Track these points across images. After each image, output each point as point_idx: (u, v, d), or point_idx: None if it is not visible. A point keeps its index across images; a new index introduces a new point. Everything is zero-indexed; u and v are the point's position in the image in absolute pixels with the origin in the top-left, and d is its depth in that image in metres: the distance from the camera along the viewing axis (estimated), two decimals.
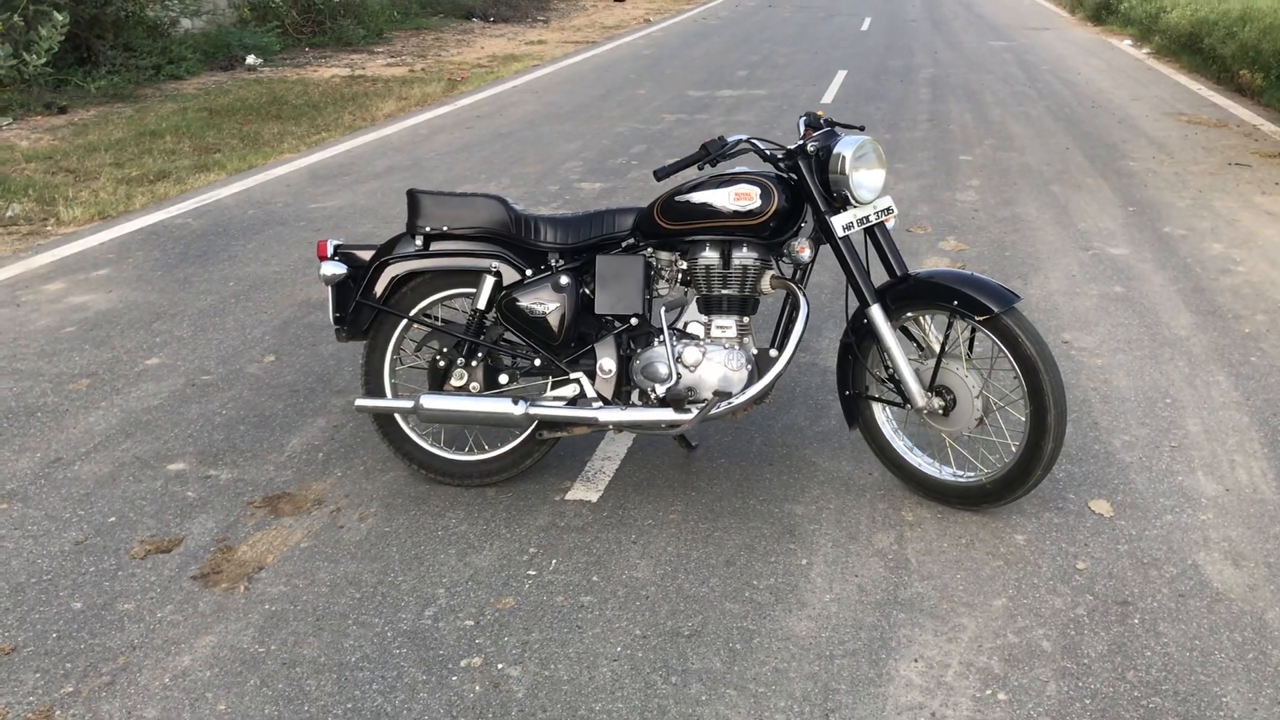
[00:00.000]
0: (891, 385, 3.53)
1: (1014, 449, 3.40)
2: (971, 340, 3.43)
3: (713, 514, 3.55)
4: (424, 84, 12.75)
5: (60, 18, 10.87)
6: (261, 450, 4.01)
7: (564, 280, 3.52)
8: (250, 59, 14.11)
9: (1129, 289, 5.63)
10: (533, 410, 3.51)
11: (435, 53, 16.05)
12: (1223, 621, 2.99)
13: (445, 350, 3.65)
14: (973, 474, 3.50)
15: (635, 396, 3.60)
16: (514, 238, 3.59)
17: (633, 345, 3.60)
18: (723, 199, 3.42)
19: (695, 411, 3.41)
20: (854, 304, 3.52)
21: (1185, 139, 9.44)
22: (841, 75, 13.51)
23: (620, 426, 3.50)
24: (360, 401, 3.64)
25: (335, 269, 3.64)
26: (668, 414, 3.44)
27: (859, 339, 3.57)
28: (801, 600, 3.10)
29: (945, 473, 3.56)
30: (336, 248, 3.72)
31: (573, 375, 3.58)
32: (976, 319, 3.28)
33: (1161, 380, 4.51)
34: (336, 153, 9.16)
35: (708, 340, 3.53)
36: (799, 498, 3.65)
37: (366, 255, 3.72)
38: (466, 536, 3.44)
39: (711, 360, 3.48)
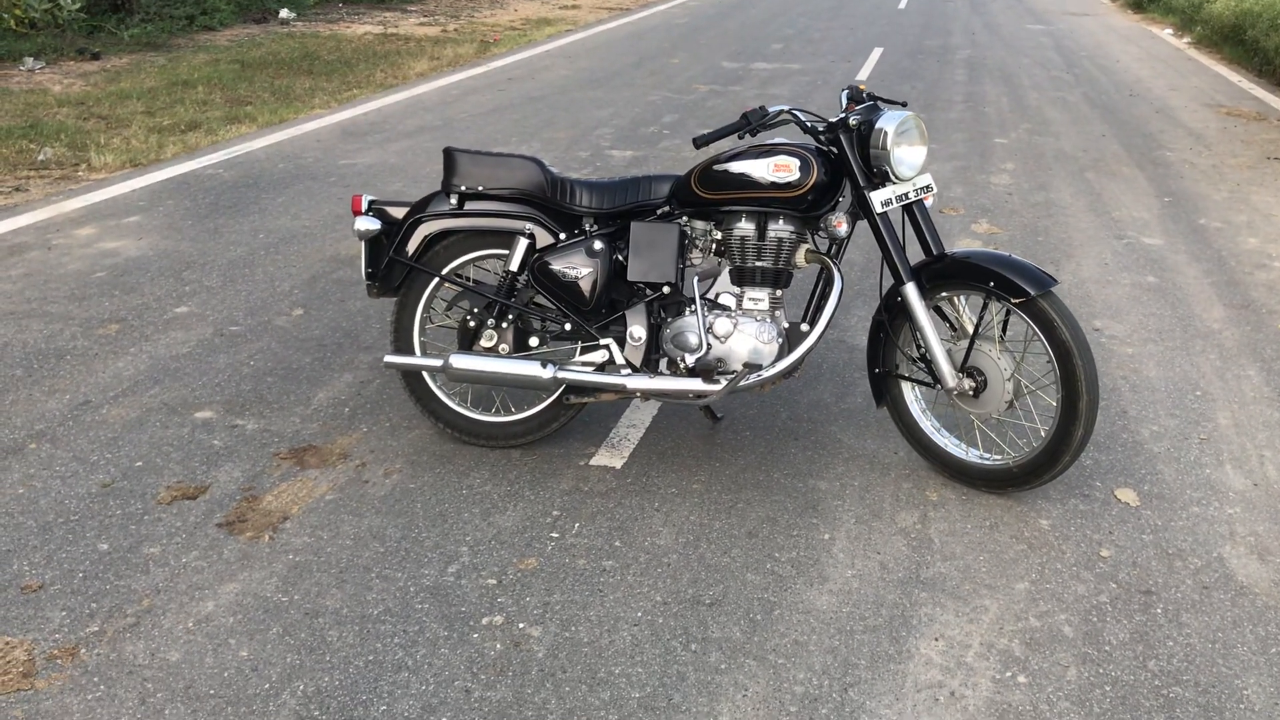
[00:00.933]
0: (922, 364, 3.51)
1: (1043, 434, 3.38)
2: (1005, 322, 3.41)
3: (736, 486, 3.55)
4: (456, 44, 12.71)
5: None
6: (288, 403, 4.02)
7: (598, 245, 3.51)
8: (284, 13, 14.09)
9: (1162, 279, 5.58)
10: (561, 374, 3.51)
11: (468, 13, 15.99)
12: (1246, 615, 2.97)
13: (476, 311, 3.65)
14: (999, 457, 3.49)
15: (664, 365, 3.59)
16: (549, 200, 3.58)
17: (663, 314, 3.59)
18: (761, 170, 3.39)
19: (724, 383, 3.40)
20: (888, 281, 3.50)
21: (1224, 131, 9.33)
22: (877, 53, 13.40)
23: (648, 394, 3.50)
24: (389, 358, 3.65)
25: (369, 224, 3.64)
26: (696, 384, 3.44)
27: (891, 317, 3.55)
28: (823, 574, 3.10)
29: (971, 454, 3.54)
30: (371, 203, 3.72)
31: (602, 341, 3.57)
32: (1012, 301, 3.26)
33: (1192, 372, 4.47)
34: (368, 110, 9.15)
35: (739, 312, 3.51)
36: (823, 473, 3.64)
37: (400, 212, 3.71)
38: (490, 496, 3.45)
39: (743, 332, 3.46)
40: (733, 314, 3.49)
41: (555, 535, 3.25)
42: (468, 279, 3.75)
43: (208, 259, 5.47)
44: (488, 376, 3.56)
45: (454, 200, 3.62)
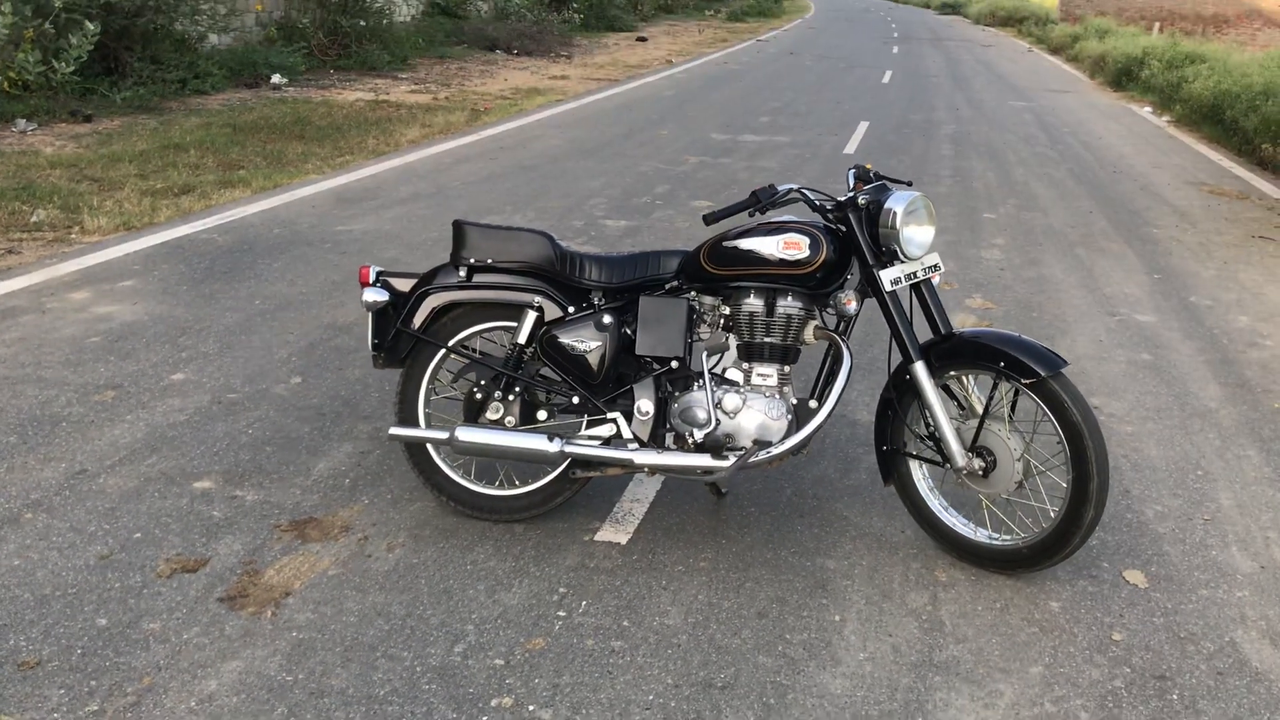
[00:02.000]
0: (931, 443, 3.51)
1: (1052, 514, 3.37)
2: (1014, 402, 3.42)
3: (743, 563, 3.52)
4: (448, 112, 12.81)
5: (91, 27, 10.93)
6: (288, 473, 3.98)
7: (606, 319, 3.51)
8: (275, 78, 14.18)
9: (1157, 357, 5.62)
10: (568, 448, 3.48)
11: (459, 82, 16.14)
12: (1263, 702, 2.95)
13: (483, 383, 3.63)
14: (1009, 538, 3.47)
15: (670, 440, 3.58)
16: (558, 274, 3.58)
17: (671, 388, 3.57)
18: (770, 247, 3.41)
19: (733, 459, 3.39)
20: (896, 358, 3.50)
21: (1208, 209, 9.47)
22: (864, 126, 13.58)
23: (655, 470, 3.48)
24: (394, 430, 3.62)
25: (377, 295, 3.62)
26: (705, 460, 3.42)
27: (900, 394, 3.55)
28: (835, 657, 3.06)
29: (980, 534, 3.53)
30: (379, 274, 3.71)
31: (609, 415, 3.55)
32: (1023, 382, 3.26)
33: (1192, 451, 4.48)
34: (361, 176, 9.19)
35: (748, 387, 3.50)
36: (831, 552, 3.61)
37: (407, 284, 3.70)
38: (495, 573, 3.40)
39: (752, 408, 3.45)
40: (741, 390, 3.49)
41: (562, 614, 3.21)
42: (474, 351, 3.74)
43: (204, 325, 5.43)
44: (494, 449, 3.53)
45: (462, 273, 3.62)
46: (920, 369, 3.42)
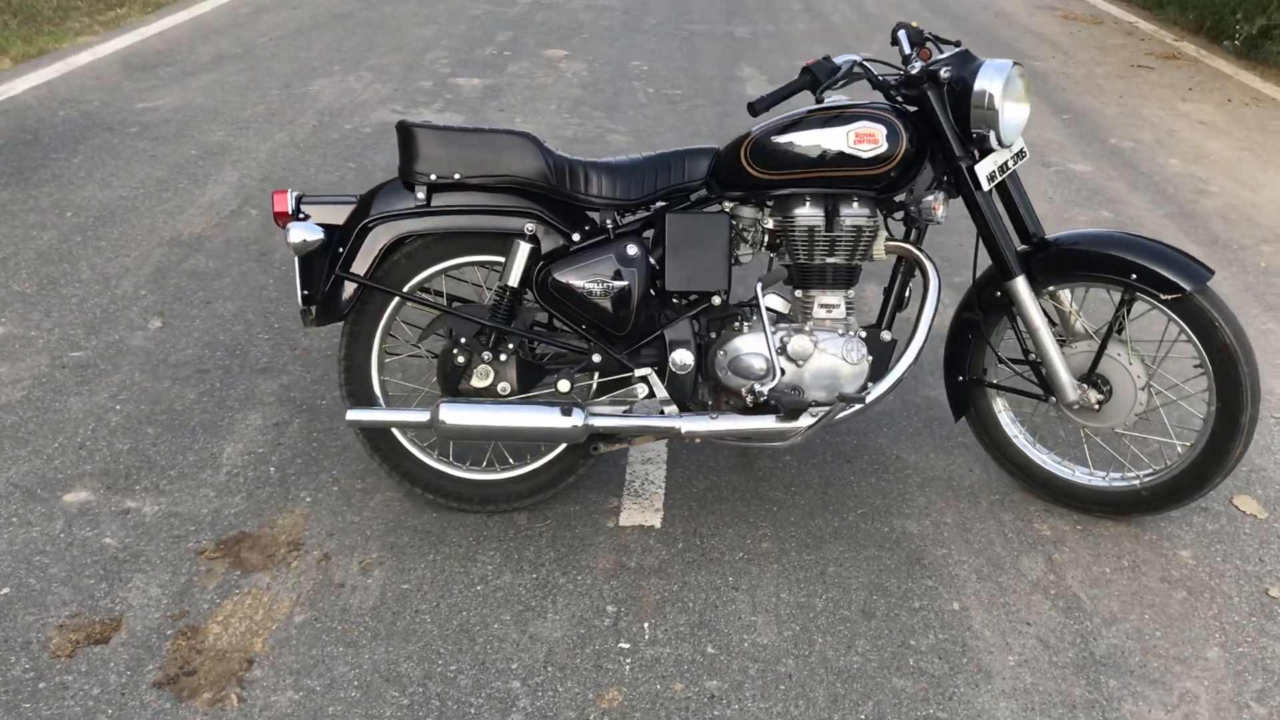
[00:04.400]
0: (1029, 372, 2.88)
1: (1180, 450, 2.81)
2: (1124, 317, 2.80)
3: (812, 539, 2.84)
4: None
5: None
6: (188, 466, 3.02)
7: (632, 249, 2.67)
8: None
9: (1117, 213, 5.16)
10: (594, 420, 2.68)
11: None
12: None
13: (463, 341, 2.75)
14: (1120, 477, 2.90)
15: (705, 395, 2.82)
16: (554, 189, 2.69)
17: (710, 331, 2.79)
18: (838, 140, 2.62)
19: (813, 418, 2.67)
20: (977, 268, 2.84)
21: (1072, 36, 9.08)
22: None
23: (709, 438, 2.72)
24: (353, 414, 2.71)
25: (309, 233, 2.66)
26: (771, 422, 2.69)
27: (986, 315, 2.89)
28: (982, 666, 2.44)
29: (1080, 474, 2.95)
30: (299, 199, 2.73)
31: (639, 372, 2.75)
32: (1162, 298, 2.64)
33: None
34: (145, 36, 7.71)
35: (812, 323, 2.76)
36: (904, 509, 2.97)
37: (338, 212, 2.75)
38: (516, 591, 2.61)
39: (824, 351, 2.71)
40: (807, 328, 2.74)
41: (625, 645, 2.46)
42: (441, 295, 2.85)
43: (7, 252, 4.24)
44: (493, 430, 2.69)
45: (421, 195, 2.69)
46: (1022, 285, 2.75)
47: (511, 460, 2.91)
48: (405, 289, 2.75)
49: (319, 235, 2.67)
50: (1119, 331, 2.76)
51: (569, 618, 2.53)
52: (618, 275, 2.65)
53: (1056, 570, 2.75)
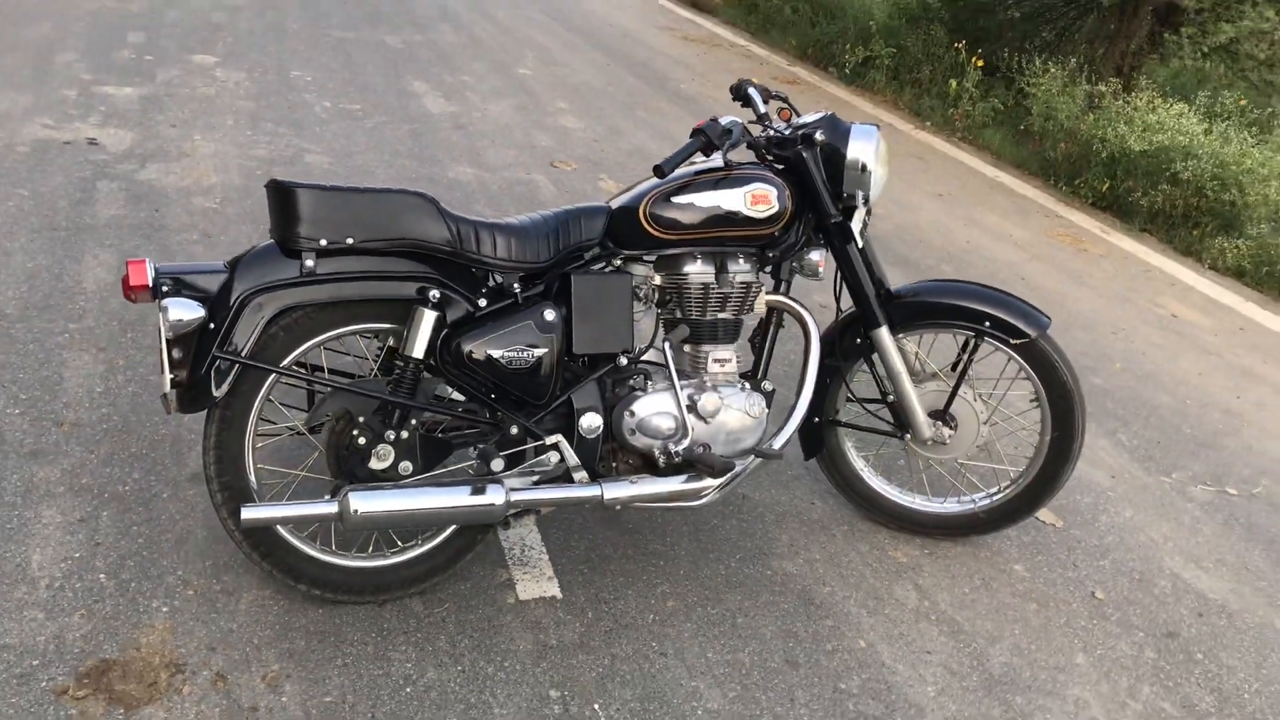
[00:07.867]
0: (881, 410, 3.08)
1: (1012, 475, 3.13)
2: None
3: (710, 591, 2.87)
4: None
5: None
6: (1, 565, 2.53)
7: (549, 315, 2.55)
8: None
9: None
10: (516, 496, 2.54)
11: None
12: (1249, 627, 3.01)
13: (363, 421, 2.50)
14: (956, 503, 3.18)
15: (613, 459, 2.77)
16: (455, 253, 2.52)
17: (614, 392, 2.74)
18: (736, 202, 2.68)
19: (728, 473, 2.69)
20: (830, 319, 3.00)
21: (701, 58, 9.63)
22: None
23: (630, 503, 2.67)
24: (249, 513, 2.38)
25: (188, 311, 2.32)
26: (693, 483, 2.69)
27: (845, 359, 3.05)
28: (911, 702, 2.59)
29: (918, 502, 3.20)
30: (160, 272, 2.37)
31: (549, 440, 2.63)
32: (1013, 343, 2.92)
33: None
34: None
35: (709, 378, 2.78)
36: (773, 549, 3.08)
37: (206, 281, 2.42)
38: (449, 689, 2.43)
39: (730, 406, 2.75)
40: (708, 384, 2.75)
41: None
42: (320, 369, 2.58)
43: None
44: (412, 515, 2.47)
45: (310, 262, 2.42)
46: (884, 334, 2.94)
47: (400, 543, 2.69)
48: (283, 364, 2.47)
49: (199, 313, 2.34)
50: (965, 373, 3.02)
51: (516, 710, 2.40)
52: (535, 342, 2.53)
53: (928, 596, 2.97)
